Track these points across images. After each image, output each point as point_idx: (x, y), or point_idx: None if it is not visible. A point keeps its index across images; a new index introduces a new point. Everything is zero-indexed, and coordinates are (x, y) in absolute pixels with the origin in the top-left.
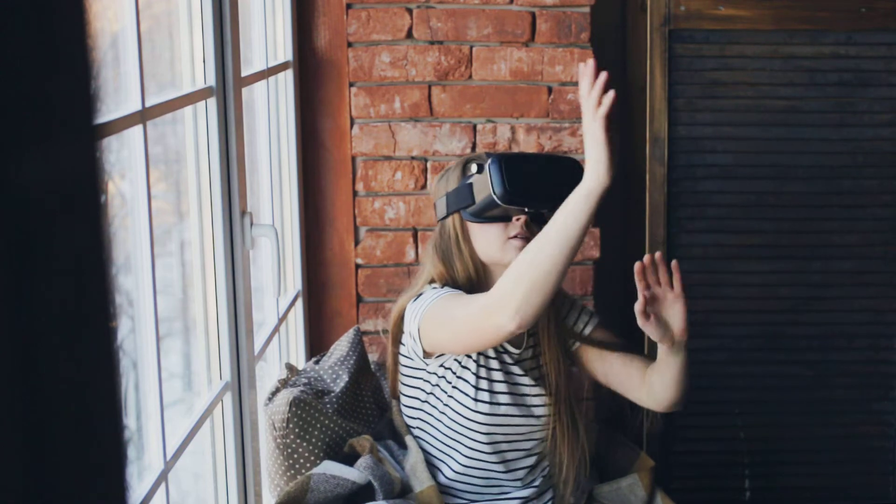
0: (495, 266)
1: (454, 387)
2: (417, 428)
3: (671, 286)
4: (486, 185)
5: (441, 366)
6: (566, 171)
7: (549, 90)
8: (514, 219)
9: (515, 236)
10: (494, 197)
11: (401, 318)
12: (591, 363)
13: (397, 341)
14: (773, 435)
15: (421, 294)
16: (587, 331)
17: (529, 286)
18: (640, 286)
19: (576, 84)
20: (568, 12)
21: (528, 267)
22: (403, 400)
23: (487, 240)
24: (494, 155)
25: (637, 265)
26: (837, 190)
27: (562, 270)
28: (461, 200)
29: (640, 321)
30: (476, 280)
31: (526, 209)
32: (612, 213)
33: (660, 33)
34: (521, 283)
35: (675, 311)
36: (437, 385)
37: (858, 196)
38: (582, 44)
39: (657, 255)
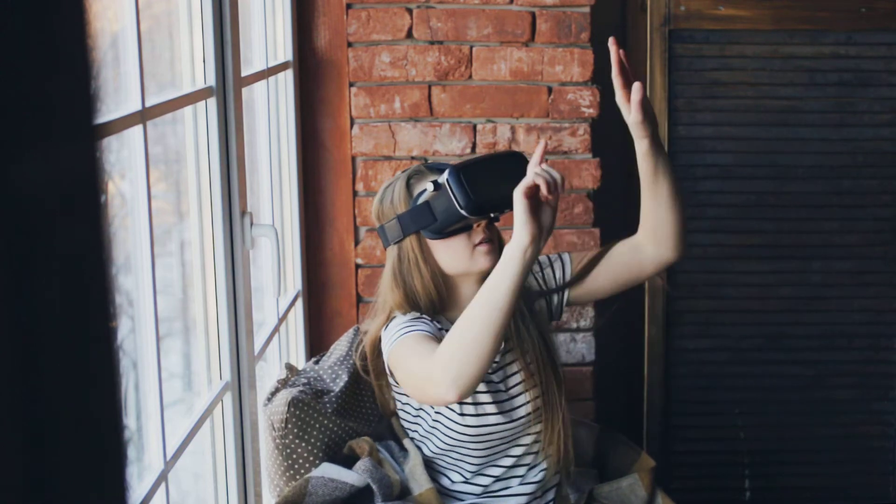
0: (463, 277)
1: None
2: (415, 439)
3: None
4: (447, 201)
5: None
6: (515, 164)
7: (549, 90)
8: (476, 225)
9: (481, 242)
10: (461, 211)
11: (375, 351)
12: (591, 291)
13: (380, 374)
14: (773, 435)
15: (393, 318)
16: (567, 276)
17: (465, 356)
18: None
19: (576, 84)
20: (568, 12)
21: (462, 335)
22: (399, 413)
23: (453, 253)
24: (449, 169)
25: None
26: (837, 190)
27: (496, 334)
28: (420, 221)
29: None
30: (439, 299)
31: (492, 214)
32: (612, 213)
33: (660, 33)
34: (457, 354)
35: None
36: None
37: (858, 196)
38: (582, 44)
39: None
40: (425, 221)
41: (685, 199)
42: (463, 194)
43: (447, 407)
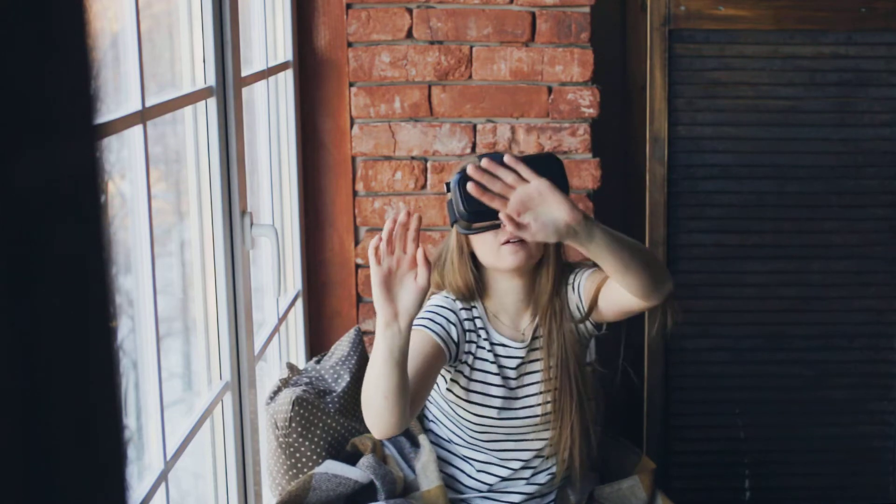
0: (495, 272)
1: (452, 379)
2: (432, 422)
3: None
4: (456, 204)
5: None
6: (532, 167)
7: (549, 90)
8: (502, 225)
9: (507, 241)
10: (461, 217)
11: None
12: (601, 318)
13: None
14: (773, 435)
15: (432, 295)
16: (583, 303)
17: (369, 407)
18: (495, 202)
19: (575, 84)
20: (568, 12)
21: (365, 389)
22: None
23: (483, 248)
24: (460, 171)
25: (471, 187)
26: (837, 190)
27: (385, 394)
28: (450, 215)
29: (521, 234)
30: (467, 288)
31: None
32: (612, 213)
33: (660, 33)
34: (366, 403)
35: (548, 199)
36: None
37: (858, 196)
38: (582, 44)
39: (483, 161)
40: (452, 217)
41: (648, 260)
42: (461, 201)
43: (451, 391)
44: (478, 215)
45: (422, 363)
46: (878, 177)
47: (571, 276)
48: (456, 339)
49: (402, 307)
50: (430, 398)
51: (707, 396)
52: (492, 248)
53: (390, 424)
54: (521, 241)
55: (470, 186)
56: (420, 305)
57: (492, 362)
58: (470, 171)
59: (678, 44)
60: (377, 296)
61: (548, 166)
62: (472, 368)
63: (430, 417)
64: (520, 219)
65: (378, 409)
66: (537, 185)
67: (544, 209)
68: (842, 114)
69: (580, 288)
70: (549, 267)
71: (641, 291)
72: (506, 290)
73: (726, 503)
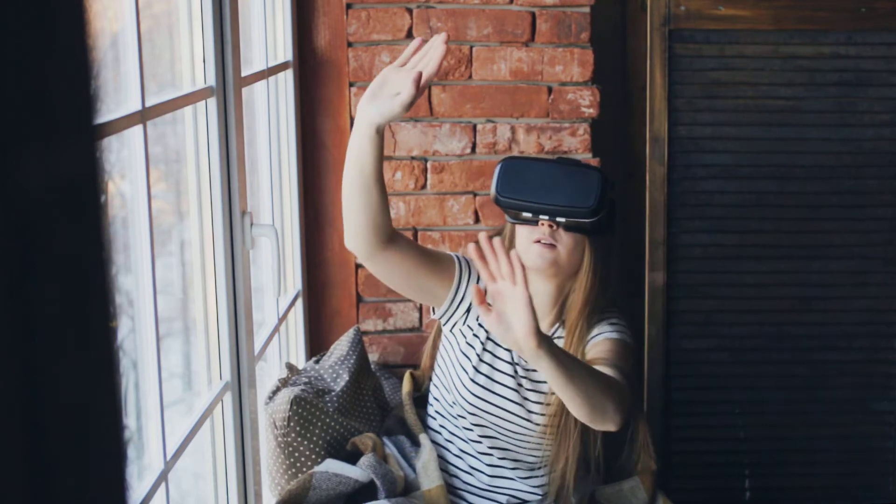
0: (528, 269)
1: (462, 352)
2: (435, 398)
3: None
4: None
5: (450, 331)
6: (571, 176)
7: (549, 90)
8: (539, 223)
9: (538, 240)
10: (492, 196)
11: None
12: None
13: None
14: (773, 435)
15: None
16: (588, 347)
17: (344, 212)
18: (483, 273)
19: (576, 84)
20: (568, 12)
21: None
22: (438, 358)
23: (519, 241)
24: (506, 157)
25: (472, 248)
26: (837, 190)
27: (353, 194)
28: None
29: (481, 314)
30: None
31: (524, 212)
32: None
33: (660, 33)
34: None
35: (516, 312)
36: (450, 344)
37: (858, 196)
38: (582, 44)
39: (495, 241)
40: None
41: (593, 396)
42: (494, 182)
43: (463, 368)
44: (506, 198)
45: (429, 257)
46: (878, 177)
47: (597, 323)
48: (472, 294)
49: (374, 111)
50: (438, 367)
51: (707, 396)
52: (524, 243)
53: (351, 225)
54: (552, 245)
55: (472, 249)
56: (391, 119)
57: (506, 349)
58: (481, 239)
59: (678, 44)
60: (370, 88)
61: (577, 178)
62: (485, 349)
63: (435, 394)
64: (488, 298)
65: (346, 209)
66: (519, 296)
67: (509, 313)
68: (842, 114)
69: (590, 346)
70: (583, 284)
71: (579, 416)
72: (533, 290)
73: (726, 503)
